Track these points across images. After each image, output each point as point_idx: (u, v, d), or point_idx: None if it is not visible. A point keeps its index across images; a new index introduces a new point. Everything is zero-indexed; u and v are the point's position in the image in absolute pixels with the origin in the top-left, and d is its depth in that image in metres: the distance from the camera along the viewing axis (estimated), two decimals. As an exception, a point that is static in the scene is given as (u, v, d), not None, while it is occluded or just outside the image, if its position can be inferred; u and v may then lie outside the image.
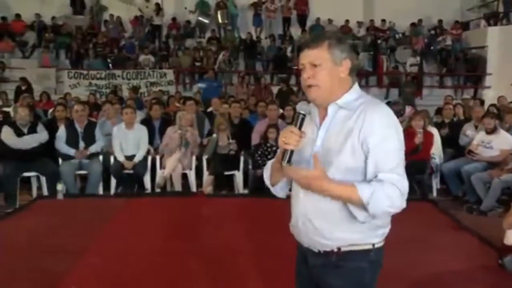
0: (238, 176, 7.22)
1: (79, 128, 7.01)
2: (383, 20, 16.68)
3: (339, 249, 1.94)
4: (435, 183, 7.35)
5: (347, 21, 16.56)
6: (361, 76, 15.31)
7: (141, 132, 7.25)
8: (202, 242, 4.90)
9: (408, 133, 7.06)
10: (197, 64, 15.21)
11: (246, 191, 7.13)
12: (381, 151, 1.84)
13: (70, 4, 16.60)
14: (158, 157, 7.24)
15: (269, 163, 2.15)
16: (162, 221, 5.55)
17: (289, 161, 1.88)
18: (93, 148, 7.00)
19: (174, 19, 16.73)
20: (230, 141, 7.12)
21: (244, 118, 8.22)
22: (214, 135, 7.22)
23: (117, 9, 16.88)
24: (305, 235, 2.01)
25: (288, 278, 2.23)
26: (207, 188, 6.98)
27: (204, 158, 7.25)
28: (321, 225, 1.94)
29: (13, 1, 16.72)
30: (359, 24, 16.82)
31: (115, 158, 7.06)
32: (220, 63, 14.87)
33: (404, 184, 1.84)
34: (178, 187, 7.04)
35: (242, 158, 7.22)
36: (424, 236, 5.10)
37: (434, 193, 7.25)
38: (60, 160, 6.96)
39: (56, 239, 4.85)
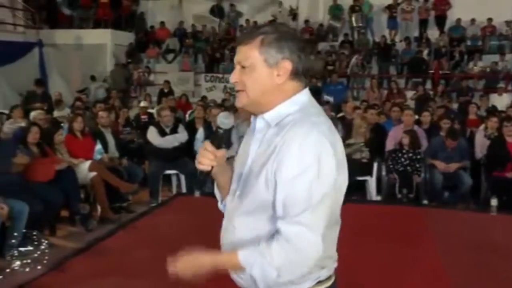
0: (371, 182, 6.98)
1: (217, 131, 7.27)
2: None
3: None
4: None
5: (489, 19, 15.30)
6: (508, 80, 14.11)
7: (273, 134, 7.30)
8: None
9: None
10: (329, 68, 15.10)
11: (379, 198, 6.89)
12: (290, 188, 1.43)
13: (210, 12, 17.44)
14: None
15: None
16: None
17: (203, 184, 1.63)
18: (228, 153, 7.18)
19: (306, 21, 16.74)
20: (363, 148, 6.94)
21: (378, 123, 7.97)
22: (353, 140, 7.00)
23: (251, 14, 17.36)
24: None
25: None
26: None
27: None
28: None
29: (158, 10, 18.05)
30: (508, 23, 15.43)
31: (248, 159, 7.22)
32: (352, 67, 14.64)
33: (307, 238, 1.43)
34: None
35: (375, 164, 6.99)
36: None
37: None
38: (197, 160, 7.31)
39: (194, 236, 5.06)
